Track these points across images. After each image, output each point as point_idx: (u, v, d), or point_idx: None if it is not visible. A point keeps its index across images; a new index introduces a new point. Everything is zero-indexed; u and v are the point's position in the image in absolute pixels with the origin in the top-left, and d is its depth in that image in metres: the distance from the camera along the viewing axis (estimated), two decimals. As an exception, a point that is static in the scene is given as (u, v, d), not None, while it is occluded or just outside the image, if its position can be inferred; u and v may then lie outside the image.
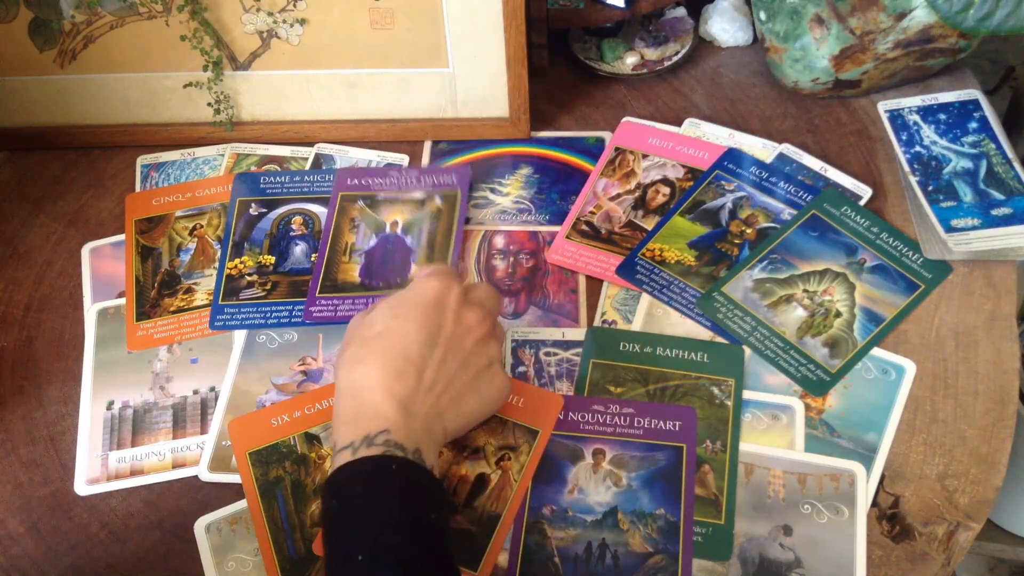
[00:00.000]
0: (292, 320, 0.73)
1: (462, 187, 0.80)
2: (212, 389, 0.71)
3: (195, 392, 0.71)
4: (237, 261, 0.77)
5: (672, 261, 0.74)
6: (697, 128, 0.84)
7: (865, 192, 0.78)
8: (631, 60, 0.90)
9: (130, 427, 0.69)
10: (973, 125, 0.80)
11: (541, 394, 0.68)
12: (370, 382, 0.57)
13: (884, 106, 0.83)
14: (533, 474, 0.64)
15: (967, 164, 0.77)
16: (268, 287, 0.75)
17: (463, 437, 0.66)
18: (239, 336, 0.73)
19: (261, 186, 0.81)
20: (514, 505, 0.63)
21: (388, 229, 0.78)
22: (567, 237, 0.77)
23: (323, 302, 0.74)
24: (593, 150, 0.84)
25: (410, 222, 0.79)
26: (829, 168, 0.79)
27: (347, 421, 0.56)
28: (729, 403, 0.67)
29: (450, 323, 0.59)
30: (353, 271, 0.76)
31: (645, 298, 0.73)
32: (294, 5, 0.78)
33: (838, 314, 0.70)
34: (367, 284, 0.75)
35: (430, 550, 0.53)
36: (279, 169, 0.83)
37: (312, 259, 0.77)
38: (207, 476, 0.66)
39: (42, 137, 0.86)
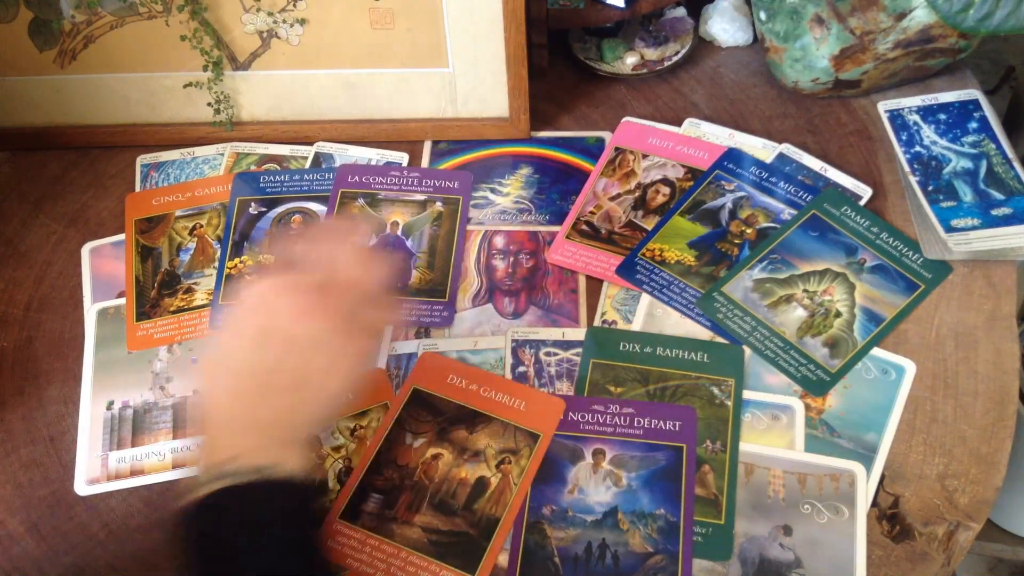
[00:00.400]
0: (292, 320, 0.73)
1: (464, 193, 0.80)
2: (212, 389, 0.71)
3: (195, 392, 0.71)
4: (237, 260, 0.77)
5: (672, 261, 0.74)
6: (697, 128, 0.84)
7: (865, 192, 0.78)
8: (631, 60, 0.90)
9: (130, 427, 0.69)
10: (973, 125, 0.80)
11: (542, 398, 0.68)
12: (213, 413, 0.57)
13: (884, 106, 0.83)
14: (533, 478, 0.64)
15: (967, 164, 0.77)
16: (268, 287, 0.75)
17: (464, 440, 0.66)
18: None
19: (261, 185, 0.81)
20: (513, 508, 0.63)
21: (388, 229, 0.78)
22: (567, 237, 0.77)
23: (323, 302, 0.74)
24: (593, 150, 0.84)
25: (410, 224, 0.79)
26: (829, 168, 0.79)
27: (201, 460, 0.56)
28: (729, 403, 0.67)
29: (275, 317, 0.57)
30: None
31: (645, 298, 0.73)
32: (294, 5, 0.78)
33: (838, 314, 0.70)
34: (367, 284, 0.75)
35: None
36: (279, 168, 0.83)
37: (312, 259, 0.77)
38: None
39: (42, 137, 0.86)
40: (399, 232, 0.78)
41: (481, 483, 0.64)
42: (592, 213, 0.78)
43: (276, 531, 0.53)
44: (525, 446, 0.65)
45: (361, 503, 0.64)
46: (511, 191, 0.81)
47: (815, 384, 0.67)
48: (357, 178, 0.81)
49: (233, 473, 0.53)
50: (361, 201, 0.80)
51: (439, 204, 0.80)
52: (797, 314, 0.71)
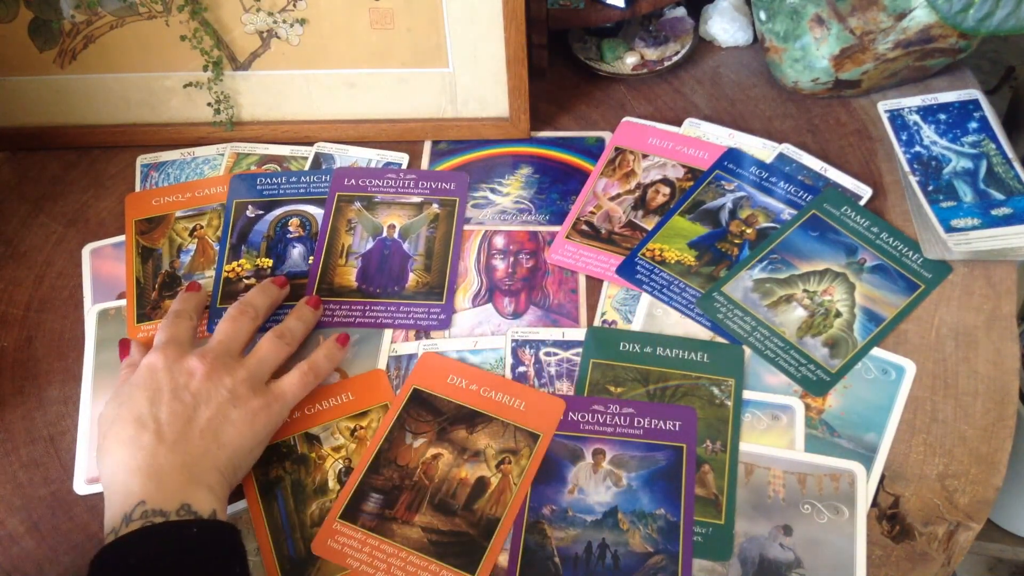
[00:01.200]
0: (292, 320, 0.73)
1: (460, 195, 0.80)
2: (212, 389, 0.70)
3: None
4: (235, 264, 0.77)
5: (672, 261, 0.74)
6: (697, 128, 0.84)
7: (865, 192, 0.78)
8: (631, 60, 0.90)
9: (130, 427, 0.69)
10: (973, 125, 0.80)
11: (542, 398, 0.68)
12: (114, 467, 0.59)
13: (884, 106, 0.83)
14: (533, 478, 0.64)
15: (967, 164, 0.77)
16: (268, 288, 0.75)
17: (464, 440, 0.66)
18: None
19: (258, 187, 0.81)
20: (513, 509, 0.63)
21: (385, 232, 0.78)
22: (567, 237, 0.77)
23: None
24: (593, 150, 0.84)
25: (407, 227, 0.79)
26: (829, 168, 0.79)
27: (107, 512, 0.58)
28: (729, 403, 0.67)
29: (168, 378, 0.62)
30: (350, 275, 0.76)
31: (645, 298, 0.73)
32: (294, 5, 0.78)
33: (838, 314, 0.70)
34: (364, 289, 0.75)
35: None
36: (279, 169, 0.83)
37: (310, 261, 0.77)
38: (207, 476, 0.66)
39: (42, 137, 0.86)
40: (396, 235, 0.78)
41: (481, 483, 0.64)
42: (592, 213, 0.78)
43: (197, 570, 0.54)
44: (525, 446, 0.65)
45: (361, 503, 0.64)
46: (511, 191, 0.81)
47: (815, 384, 0.68)
48: (353, 181, 0.81)
49: (134, 520, 0.55)
50: (358, 204, 0.80)
51: (435, 206, 0.80)
52: (797, 314, 0.71)
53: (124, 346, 0.70)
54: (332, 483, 0.65)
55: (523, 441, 0.66)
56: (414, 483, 0.64)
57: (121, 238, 0.80)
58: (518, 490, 0.64)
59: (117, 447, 0.59)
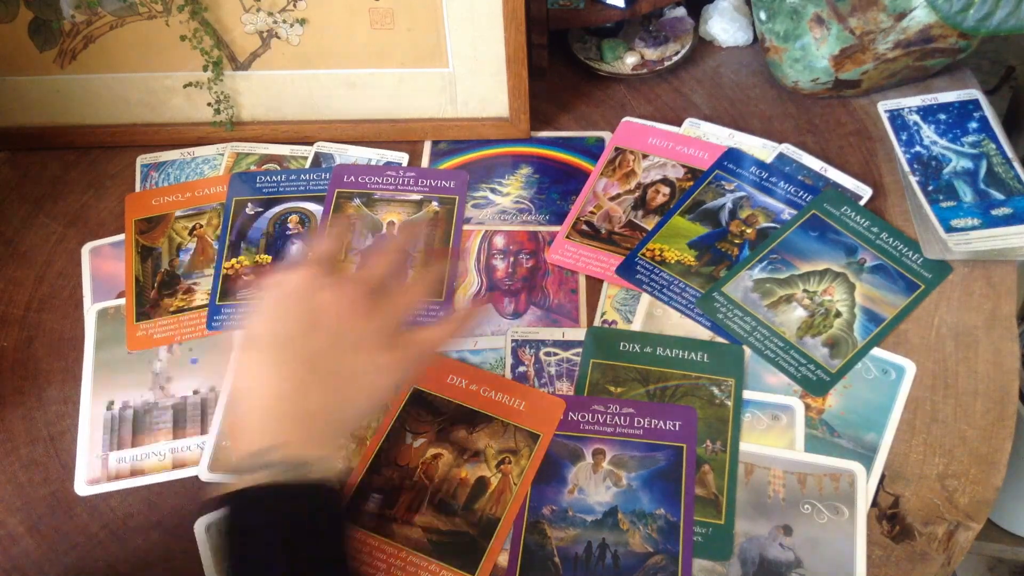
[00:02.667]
0: (292, 320, 0.73)
1: (460, 193, 0.80)
2: (212, 389, 0.71)
3: (195, 392, 0.71)
4: (234, 261, 0.77)
5: (672, 261, 0.74)
6: (697, 128, 0.84)
7: (865, 192, 0.78)
8: (631, 60, 0.90)
9: (130, 427, 0.69)
10: (973, 125, 0.80)
11: (543, 398, 0.68)
12: (253, 401, 0.55)
13: (884, 106, 0.83)
14: (533, 478, 0.64)
15: (967, 164, 0.77)
16: (268, 287, 0.75)
17: (464, 440, 0.66)
18: (239, 336, 0.73)
19: (257, 185, 0.81)
20: (513, 509, 0.63)
21: (384, 229, 0.78)
22: (567, 237, 0.77)
23: (322, 302, 0.74)
24: (593, 150, 0.84)
25: (406, 224, 0.78)
26: (829, 168, 0.79)
27: (238, 441, 0.55)
28: (729, 403, 0.67)
29: (307, 308, 0.56)
30: (349, 271, 0.75)
31: (645, 298, 0.73)
32: (294, 5, 0.78)
33: (838, 314, 0.70)
34: (366, 285, 0.75)
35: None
36: (279, 168, 0.83)
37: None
38: (207, 476, 0.66)
39: (42, 137, 0.86)
40: (395, 232, 0.78)
41: (481, 483, 0.64)
42: (592, 213, 0.78)
43: (312, 539, 0.51)
44: (525, 446, 0.65)
45: (361, 503, 0.64)
46: (511, 191, 0.81)
47: (815, 384, 0.67)
48: (353, 178, 0.81)
49: (273, 464, 0.51)
50: (357, 201, 0.80)
51: (435, 204, 0.80)
52: (797, 314, 0.71)
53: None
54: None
55: (523, 441, 0.66)
56: (414, 483, 0.64)
57: (120, 237, 0.80)
58: (518, 490, 0.64)
59: (256, 381, 0.55)
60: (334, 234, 0.64)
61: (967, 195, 0.75)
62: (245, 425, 0.54)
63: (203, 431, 0.69)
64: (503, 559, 0.62)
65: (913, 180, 0.77)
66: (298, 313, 0.56)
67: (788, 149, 0.81)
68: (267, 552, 0.50)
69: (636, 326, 0.72)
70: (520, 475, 0.64)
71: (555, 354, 0.71)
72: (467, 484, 0.64)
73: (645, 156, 0.82)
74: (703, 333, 0.71)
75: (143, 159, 0.85)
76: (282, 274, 0.58)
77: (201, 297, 0.75)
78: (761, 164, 0.80)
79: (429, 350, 0.59)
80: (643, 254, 0.75)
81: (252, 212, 0.80)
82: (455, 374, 0.69)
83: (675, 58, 0.90)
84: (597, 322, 0.72)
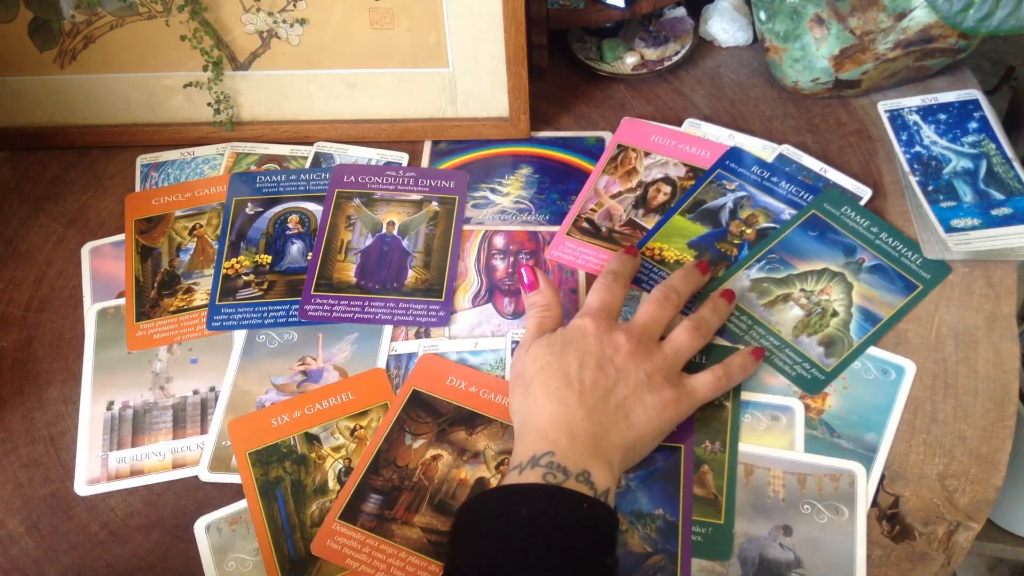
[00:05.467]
0: (289, 320, 0.73)
1: (460, 193, 0.80)
2: (212, 389, 0.71)
3: (195, 392, 0.71)
4: (234, 261, 0.77)
5: (672, 260, 0.74)
6: (697, 128, 0.84)
7: (865, 192, 0.78)
8: (631, 60, 0.90)
9: (130, 427, 0.69)
10: (973, 125, 0.80)
11: None
12: (535, 410, 0.61)
13: (884, 106, 0.83)
14: None
15: (967, 164, 0.77)
16: (265, 287, 0.75)
17: (464, 441, 0.66)
18: (239, 336, 0.73)
19: (257, 185, 0.81)
20: None
21: (384, 229, 0.78)
22: (567, 234, 0.77)
23: (318, 301, 0.74)
24: (593, 150, 0.84)
25: (407, 224, 0.79)
26: (829, 168, 0.79)
27: (517, 446, 0.60)
28: (728, 403, 0.67)
29: (597, 346, 0.63)
30: (349, 270, 0.76)
31: (645, 299, 0.73)
32: (294, 5, 0.78)
33: (835, 313, 0.70)
34: (363, 285, 0.75)
35: None
36: (279, 168, 0.83)
37: (308, 257, 0.77)
38: (207, 476, 0.67)
39: (42, 137, 0.86)
40: (395, 232, 0.78)
41: (480, 484, 0.64)
42: (593, 211, 0.78)
43: (585, 549, 0.54)
44: None
45: (361, 503, 0.64)
46: (511, 191, 0.81)
47: (809, 382, 0.67)
48: (353, 178, 0.81)
49: (545, 465, 0.56)
50: (357, 201, 0.80)
51: (435, 204, 0.80)
52: (793, 313, 0.71)
53: (531, 276, 0.69)
54: (332, 483, 0.65)
55: None
56: (414, 484, 0.64)
57: (120, 237, 0.80)
58: None
59: (543, 393, 0.61)
60: (619, 278, 0.69)
61: (967, 195, 0.75)
62: (520, 433, 0.61)
63: (203, 431, 0.69)
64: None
65: (913, 180, 0.77)
66: (576, 351, 0.63)
67: (788, 149, 0.81)
68: (532, 547, 0.53)
69: (636, 326, 0.72)
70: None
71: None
72: (466, 485, 0.64)
73: (647, 154, 0.82)
74: (703, 333, 0.71)
75: (143, 159, 0.85)
76: (546, 299, 0.68)
77: (201, 297, 0.75)
78: (763, 164, 0.80)
79: (704, 395, 0.64)
80: (643, 253, 0.75)
81: (252, 212, 0.80)
82: (455, 376, 0.69)
83: (675, 58, 0.90)
84: (597, 322, 0.72)
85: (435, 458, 0.65)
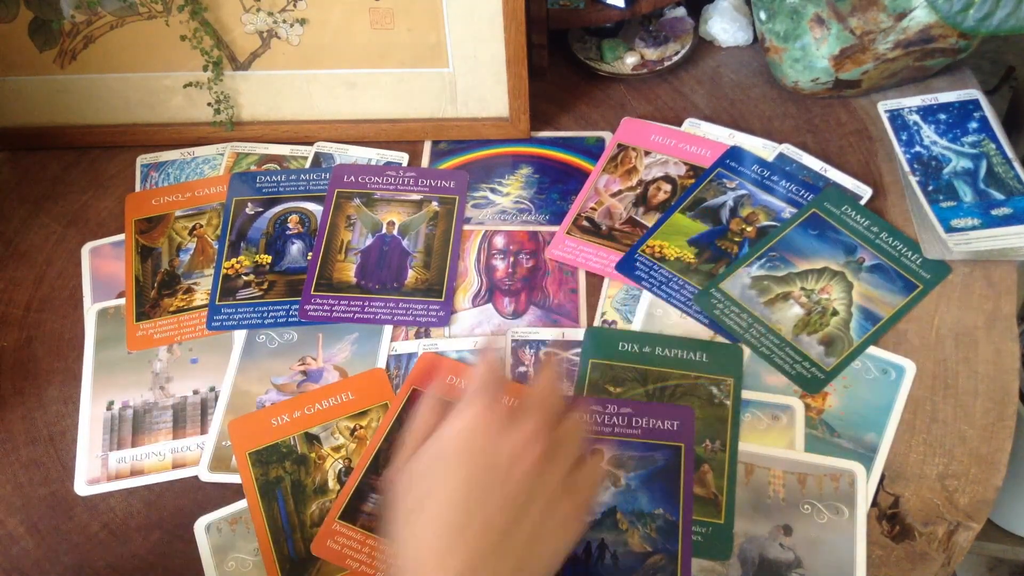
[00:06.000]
0: (289, 320, 0.73)
1: (460, 193, 0.80)
2: (212, 389, 0.71)
3: (195, 392, 0.71)
4: (234, 261, 0.77)
5: (672, 258, 0.74)
6: (697, 128, 0.84)
7: (865, 192, 0.78)
8: (631, 60, 0.90)
9: (130, 427, 0.69)
10: (973, 125, 0.80)
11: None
12: (425, 550, 0.48)
13: (884, 106, 0.83)
14: None
15: (967, 164, 0.77)
16: (265, 287, 0.75)
17: None
18: (239, 336, 0.73)
19: (257, 185, 0.81)
20: None
21: (384, 229, 0.78)
22: (567, 233, 0.77)
23: (318, 301, 0.74)
24: (593, 150, 0.84)
25: (407, 224, 0.79)
26: (829, 168, 0.79)
27: None
28: (728, 402, 0.67)
29: (492, 459, 0.50)
30: (349, 270, 0.76)
31: (645, 298, 0.73)
32: (294, 5, 0.78)
33: (835, 312, 0.70)
34: (363, 285, 0.75)
35: None
36: (279, 168, 0.83)
37: (308, 257, 0.77)
38: (207, 476, 0.67)
39: (42, 137, 0.86)
40: (395, 232, 0.78)
41: None
42: (593, 209, 0.78)
43: None
44: None
45: (361, 503, 0.64)
46: (511, 191, 0.81)
47: (809, 381, 0.67)
48: (353, 178, 0.81)
49: None
50: (357, 201, 0.80)
51: (435, 204, 0.80)
52: (794, 311, 0.71)
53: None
54: (332, 483, 0.65)
55: None
56: None
57: (120, 237, 0.80)
58: None
59: (430, 529, 0.48)
60: (489, 361, 0.55)
61: (967, 195, 0.75)
62: (407, 570, 0.48)
63: (203, 431, 0.69)
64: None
65: (913, 180, 0.77)
66: (479, 471, 0.49)
67: (788, 149, 0.81)
68: None
69: (636, 326, 0.72)
70: None
71: (555, 354, 0.71)
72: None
73: (647, 153, 0.82)
74: (702, 333, 0.71)
75: (143, 159, 0.85)
76: (456, 421, 0.52)
77: (201, 297, 0.75)
78: (763, 162, 0.80)
79: (597, 487, 0.56)
80: (643, 251, 0.75)
81: (252, 212, 0.80)
82: (454, 374, 0.69)
83: (675, 58, 0.90)
84: (597, 322, 0.72)
85: None
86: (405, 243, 0.77)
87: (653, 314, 0.72)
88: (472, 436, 0.50)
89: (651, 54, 0.90)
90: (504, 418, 0.51)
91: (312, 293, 0.74)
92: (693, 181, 0.79)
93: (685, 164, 0.81)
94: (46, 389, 0.72)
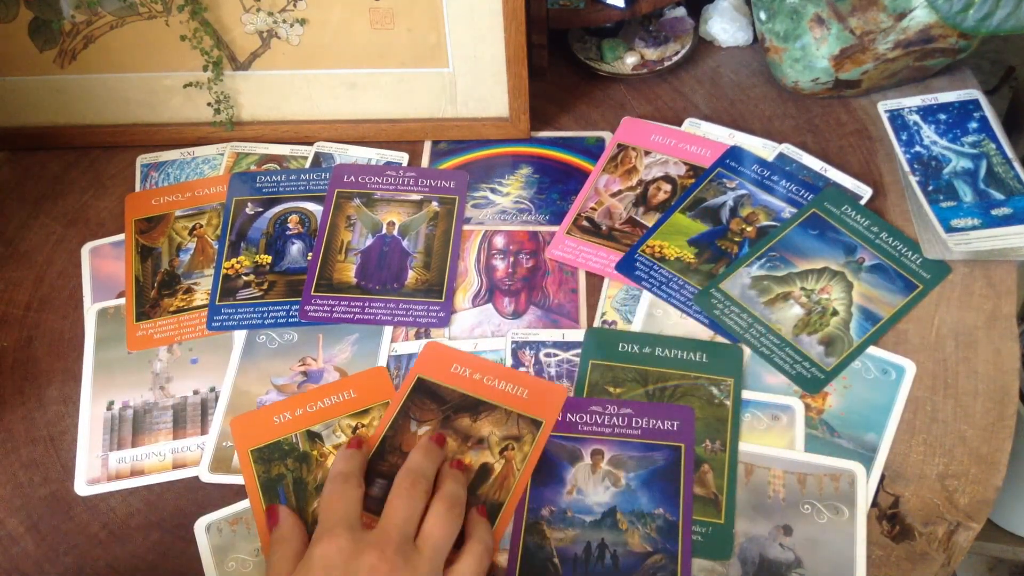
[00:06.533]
0: (289, 320, 0.73)
1: (460, 193, 0.80)
2: (212, 389, 0.71)
3: (195, 392, 0.71)
4: (234, 261, 0.77)
5: (672, 258, 0.74)
6: (697, 128, 0.84)
7: (865, 192, 0.78)
8: (631, 60, 0.90)
9: (130, 427, 0.69)
10: (973, 125, 0.80)
11: (544, 386, 0.68)
12: None
13: (884, 106, 0.83)
14: (536, 464, 0.64)
15: (967, 164, 0.77)
16: (265, 287, 0.75)
17: (468, 428, 0.66)
18: (239, 336, 0.73)
19: (257, 185, 0.81)
20: (516, 494, 0.63)
21: (384, 229, 0.78)
22: (567, 233, 0.77)
23: (318, 301, 0.74)
24: (593, 150, 0.84)
25: (407, 224, 0.79)
26: (829, 168, 0.79)
27: None
28: (728, 403, 0.67)
29: None
30: (349, 271, 0.76)
31: (645, 298, 0.73)
32: (294, 5, 0.78)
33: (835, 312, 0.70)
34: (363, 286, 0.75)
35: None
36: (279, 168, 0.83)
37: (308, 258, 0.77)
38: (207, 476, 0.66)
39: (42, 137, 0.86)
40: (395, 232, 0.78)
41: (485, 469, 0.64)
42: (593, 209, 0.78)
43: None
44: (528, 433, 0.66)
45: (367, 489, 0.63)
46: (511, 191, 0.81)
47: (809, 381, 0.68)
48: (353, 178, 0.81)
49: None
50: (357, 201, 0.80)
51: (435, 204, 0.80)
52: (794, 311, 0.71)
53: (272, 514, 0.62)
54: None
55: (526, 428, 0.66)
56: None
57: (120, 237, 0.80)
58: (521, 475, 0.64)
59: None
60: (351, 479, 0.61)
61: (967, 195, 0.75)
62: None
63: (203, 431, 0.69)
64: (502, 559, 0.61)
65: (913, 180, 0.77)
66: None
67: (788, 149, 0.81)
68: None
69: (636, 327, 0.72)
70: (523, 461, 0.64)
71: (555, 355, 0.71)
72: (471, 470, 0.64)
73: (647, 153, 0.82)
74: (703, 333, 0.71)
75: (143, 159, 0.85)
76: (289, 530, 0.59)
77: (201, 297, 0.75)
78: (763, 162, 0.80)
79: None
80: (643, 251, 0.75)
81: (252, 212, 0.80)
82: (459, 363, 0.69)
83: (675, 58, 0.90)
84: (597, 322, 0.72)
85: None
86: (405, 243, 0.77)
87: (653, 314, 0.72)
88: (327, 561, 0.55)
89: (651, 54, 0.90)
90: (355, 540, 0.56)
91: (312, 294, 0.74)
92: (693, 181, 0.79)
93: (685, 164, 0.81)
94: (46, 389, 0.72)
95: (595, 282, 0.75)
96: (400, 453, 0.65)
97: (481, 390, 0.68)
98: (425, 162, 0.84)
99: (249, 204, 0.80)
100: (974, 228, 0.73)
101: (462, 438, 0.66)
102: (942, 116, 0.81)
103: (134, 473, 0.67)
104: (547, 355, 0.71)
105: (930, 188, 0.76)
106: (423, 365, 0.70)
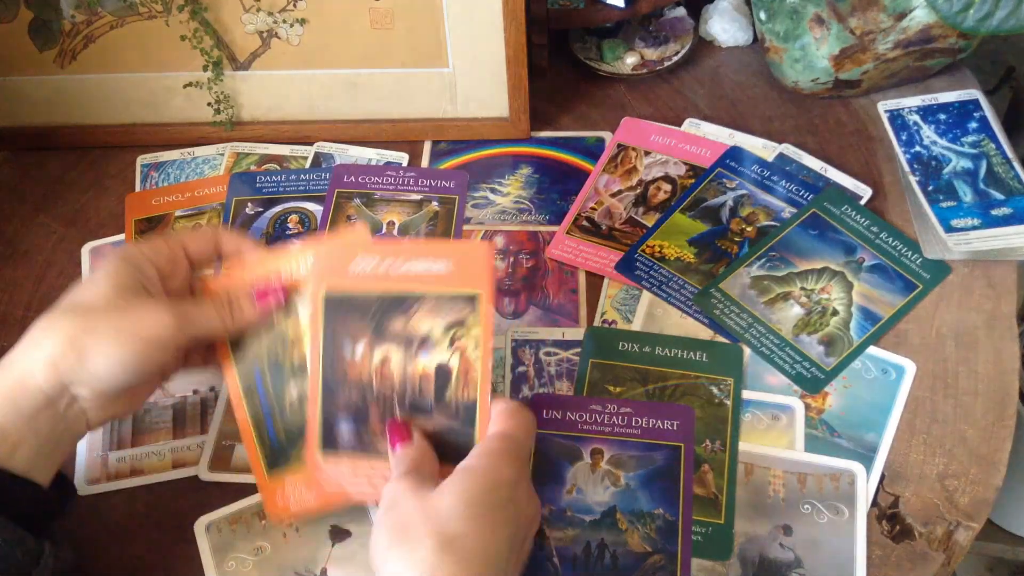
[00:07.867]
0: (291, 320, 0.73)
1: (460, 193, 0.80)
2: (212, 389, 0.71)
3: (195, 392, 0.71)
4: (236, 261, 0.77)
5: (672, 258, 0.74)
6: (697, 128, 0.84)
7: (865, 192, 0.78)
8: (631, 60, 0.90)
9: (130, 427, 0.69)
10: (973, 125, 0.80)
11: (463, 248, 0.61)
12: None
13: (884, 106, 0.83)
14: (491, 343, 0.57)
15: (967, 164, 0.77)
16: (267, 287, 0.75)
17: (404, 331, 0.59)
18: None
19: (257, 185, 0.81)
20: (484, 387, 0.57)
21: (384, 229, 0.78)
22: (567, 232, 0.77)
23: (321, 301, 0.73)
24: (593, 150, 0.84)
25: (407, 224, 0.79)
26: (829, 168, 0.79)
27: None
28: (728, 402, 0.67)
29: (515, 523, 0.52)
30: None
31: (645, 298, 0.73)
32: (294, 5, 0.78)
33: (835, 312, 0.70)
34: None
35: None
36: (279, 168, 0.83)
37: (309, 258, 0.77)
38: (207, 476, 0.66)
39: (42, 137, 0.86)
40: (395, 232, 0.78)
41: (443, 371, 0.58)
42: (593, 209, 0.78)
43: None
44: (468, 313, 0.57)
45: (334, 430, 0.59)
46: (511, 191, 0.81)
47: (809, 381, 0.67)
48: (353, 178, 0.81)
49: None
50: (357, 201, 0.80)
51: (435, 204, 0.80)
52: (794, 311, 0.71)
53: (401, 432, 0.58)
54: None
55: (465, 307, 0.58)
56: (376, 394, 0.59)
57: (120, 237, 0.80)
58: (481, 365, 0.57)
59: None
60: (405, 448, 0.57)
61: (967, 195, 0.75)
62: None
63: (203, 431, 0.69)
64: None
65: (913, 180, 0.77)
66: (508, 526, 0.52)
67: (788, 149, 0.81)
68: None
69: (636, 326, 0.72)
70: (476, 347, 0.57)
71: (555, 354, 0.71)
72: (429, 377, 0.58)
73: (647, 153, 0.82)
74: (703, 333, 0.71)
75: (143, 159, 0.86)
76: (501, 466, 0.54)
77: (201, 297, 0.75)
78: (763, 162, 0.80)
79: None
80: (643, 251, 0.75)
81: (252, 212, 0.80)
82: (355, 261, 0.60)
83: (675, 58, 0.90)
84: (597, 322, 0.72)
85: (384, 361, 0.59)
86: (405, 243, 0.77)
87: (653, 314, 0.72)
88: (509, 496, 0.52)
89: (651, 54, 0.91)
90: (528, 481, 0.55)
91: (312, 293, 0.74)
92: (693, 181, 0.79)
93: (685, 164, 0.81)
94: (46, 389, 0.72)
95: (595, 282, 0.75)
96: (349, 384, 0.59)
97: (396, 282, 0.59)
98: (425, 162, 0.84)
99: (249, 204, 0.80)
100: (974, 228, 0.73)
101: (404, 344, 0.58)
102: (942, 116, 0.81)
103: (134, 472, 0.67)
104: (547, 354, 0.71)
105: (930, 188, 0.76)
106: (321, 277, 0.60)
